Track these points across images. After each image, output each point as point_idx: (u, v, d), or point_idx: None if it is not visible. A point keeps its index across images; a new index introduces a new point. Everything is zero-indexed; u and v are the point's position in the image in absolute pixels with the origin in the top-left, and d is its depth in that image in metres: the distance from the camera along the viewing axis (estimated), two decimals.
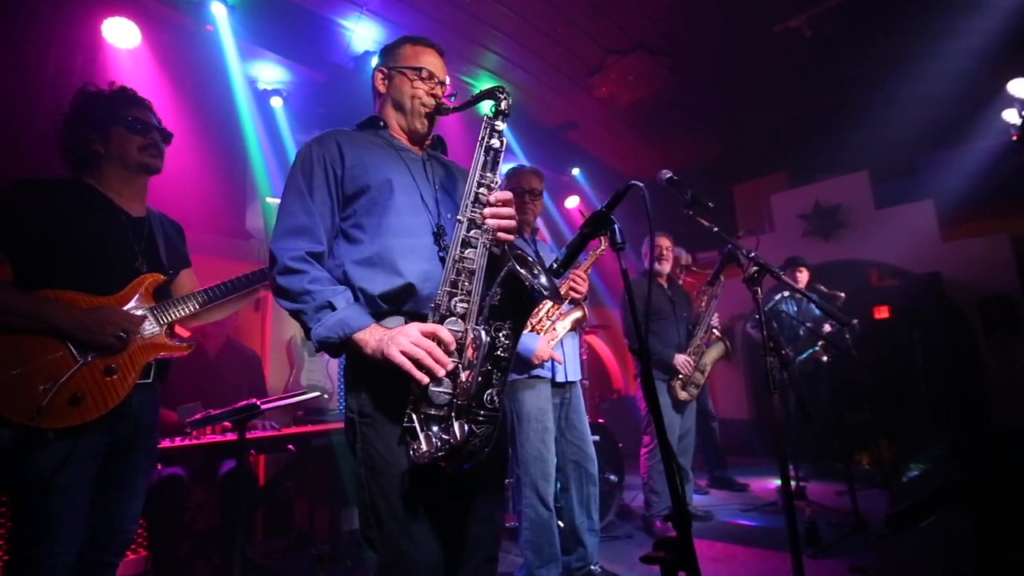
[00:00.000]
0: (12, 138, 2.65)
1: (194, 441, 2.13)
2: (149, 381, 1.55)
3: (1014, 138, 4.36)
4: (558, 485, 2.52)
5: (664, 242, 3.43)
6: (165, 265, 1.63)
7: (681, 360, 3.27)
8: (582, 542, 2.49)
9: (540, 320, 2.36)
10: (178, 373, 2.75)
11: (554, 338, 2.37)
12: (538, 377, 2.35)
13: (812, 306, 4.09)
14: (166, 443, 2.07)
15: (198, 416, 2.05)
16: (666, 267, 3.44)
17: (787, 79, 4.93)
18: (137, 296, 1.54)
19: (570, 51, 4.37)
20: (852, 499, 2.95)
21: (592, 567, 2.48)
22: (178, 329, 1.79)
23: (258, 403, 1.99)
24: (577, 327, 2.51)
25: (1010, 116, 4.60)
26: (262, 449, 2.71)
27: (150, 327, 1.53)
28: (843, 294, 4.07)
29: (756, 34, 4.31)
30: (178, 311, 1.59)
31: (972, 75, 4.44)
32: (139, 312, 1.52)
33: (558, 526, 2.42)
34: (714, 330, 3.47)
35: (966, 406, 4.77)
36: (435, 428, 1.06)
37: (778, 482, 1.89)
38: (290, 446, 2.56)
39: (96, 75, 2.95)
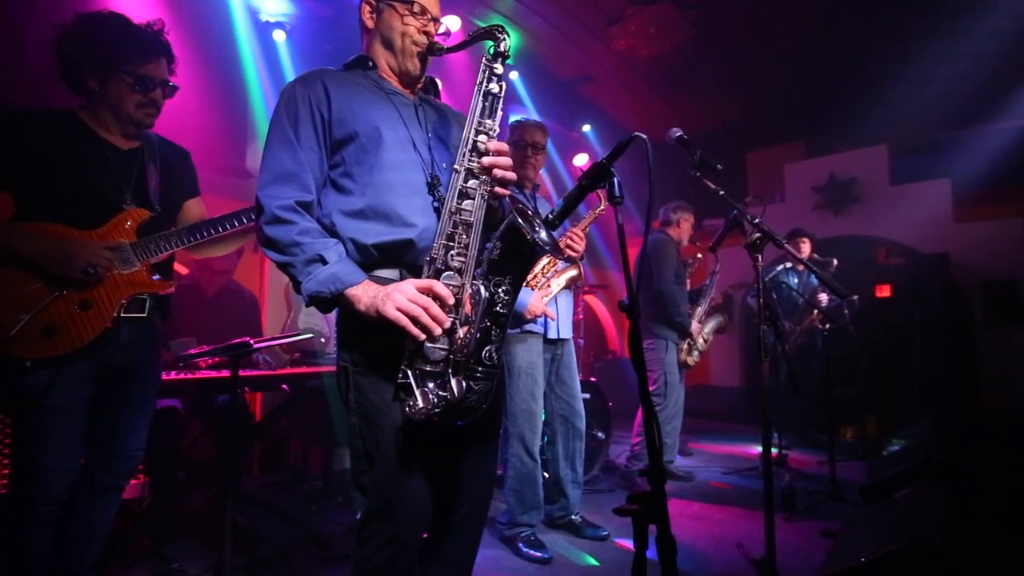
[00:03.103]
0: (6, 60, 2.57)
1: (188, 375, 2.16)
2: (144, 315, 1.55)
3: None
4: (545, 438, 2.58)
5: (692, 219, 3.68)
6: (152, 201, 1.59)
7: (696, 328, 3.58)
8: (565, 493, 2.57)
9: (535, 276, 2.34)
10: (175, 310, 2.80)
11: (548, 294, 2.36)
12: (530, 332, 2.36)
13: (813, 278, 4.08)
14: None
15: (192, 351, 2.08)
16: (684, 239, 3.66)
17: (814, 45, 4.69)
18: (119, 232, 1.51)
19: None
20: (831, 468, 3.02)
21: (573, 516, 2.57)
22: (175, 265, 1.77)
23: (251, 341, 2.01)
24: (572, 285, 2.50)
25: None
26: (255, 387, 2.76)
27: (129, 264, 1.51)
28: (835, 260, 4.04)
29: None
30: (159, 248, 1.56)
31: (1001, 54, 4.22)
32: (117, 248, 1.49)
33: (543, 476, 2.49)
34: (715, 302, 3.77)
35: (956, 387, 4.81)
36: (431, 384, 1.03)
37: (761, 448, 1.94)
38: (284, 385, 2.60)
39: None
